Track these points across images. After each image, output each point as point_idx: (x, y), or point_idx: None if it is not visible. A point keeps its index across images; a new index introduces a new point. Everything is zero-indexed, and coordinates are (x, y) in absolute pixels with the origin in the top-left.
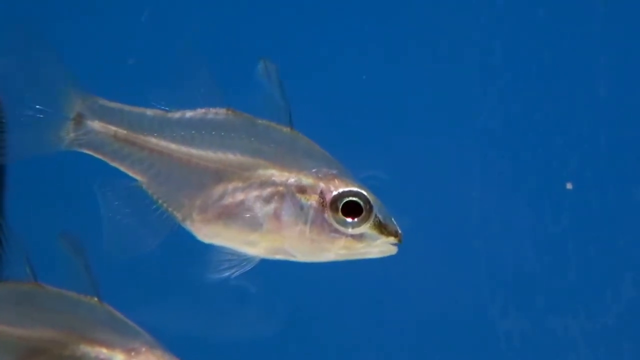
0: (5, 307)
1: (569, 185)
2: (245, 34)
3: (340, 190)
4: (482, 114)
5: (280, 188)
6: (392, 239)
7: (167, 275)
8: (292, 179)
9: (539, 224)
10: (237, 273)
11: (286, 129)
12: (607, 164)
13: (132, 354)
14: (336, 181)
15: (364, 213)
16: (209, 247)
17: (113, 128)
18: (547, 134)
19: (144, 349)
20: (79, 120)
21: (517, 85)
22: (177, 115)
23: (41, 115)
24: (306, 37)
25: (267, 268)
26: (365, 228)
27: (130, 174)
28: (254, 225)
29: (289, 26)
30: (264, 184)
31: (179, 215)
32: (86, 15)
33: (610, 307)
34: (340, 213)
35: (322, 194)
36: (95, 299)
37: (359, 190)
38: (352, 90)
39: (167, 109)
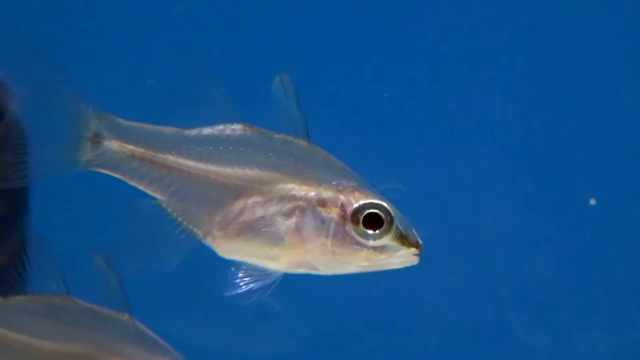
0: (36, 321)
1: (592, 201)
2: (261, 49)
3: (361, 202)
4: (504, 130)
5: (301, 202)
6: (413, 250)
7: (196, 292)
8: (312, 192)
9: (563, 239)
10: (258, 287)
11: (304, 143)
12: (630, 179)
13: None
14: (356, 193)
15: (385, 224)
16: (231, 263)
17: (130, 147)
18: (570, 150)
19: None
20: (96, 140)
21: (538, 101)
22: (194, 132)
23: (58, 137)
24: (324, 51)
25: (292, 285)
26: (387, 239)
27: (149, 192)
28: (275, 239)
29: (307, 41)
30: (284, 198)
31: (199, 232)
32: (104, 38)
33: (635, 322)
34: (361, 225)
35: (342, 207)
36: (127, 315)
37: (380, 202)
38: (371, 104)
39: (184, 126)
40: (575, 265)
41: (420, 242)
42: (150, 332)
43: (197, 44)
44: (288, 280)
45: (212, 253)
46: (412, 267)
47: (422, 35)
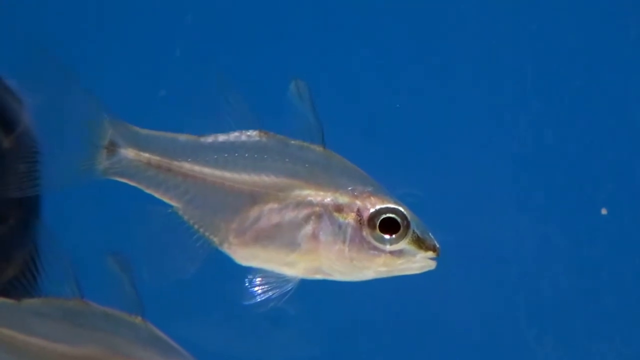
0: (49, 323)
1: (603, 211)
2: (275, 55)
3: (377, 207)
4: (516, 139)
5: (317, 208)
6: (430, 254)
7: (210, 296)
8: (328, 198)
9: (575, 249)
10: (276, 294)
11: (320, 148)
12: None
13: None
14: (372, 198)
15: (401, 229)
16: (248, 270)
17: (146, 155)
18: (581, 160)
19: None
20: (112, 148)
21: (550, 110)
22: (209, 139)
23: (73, 146)
24: (339, 55)
25: (306, 290)
26: (404, 244)
27: (166, 200)
28: (292, 246)
29: (321, 45)
30: (300, 204)
31: (215, 240)
32: (115, 50)
33: None
34: (377, 230)
35: (359, 212)
36: (139, 317)
37: (396, 206)
38: (387, 110)
39: (199, 133)
40: (587, 274)
41: (438, 246)
42: (163, 335)
43: (209, 52)
44: (302, 285)
45: (227, 256)
46: (427, 272)
47: (436, 43)
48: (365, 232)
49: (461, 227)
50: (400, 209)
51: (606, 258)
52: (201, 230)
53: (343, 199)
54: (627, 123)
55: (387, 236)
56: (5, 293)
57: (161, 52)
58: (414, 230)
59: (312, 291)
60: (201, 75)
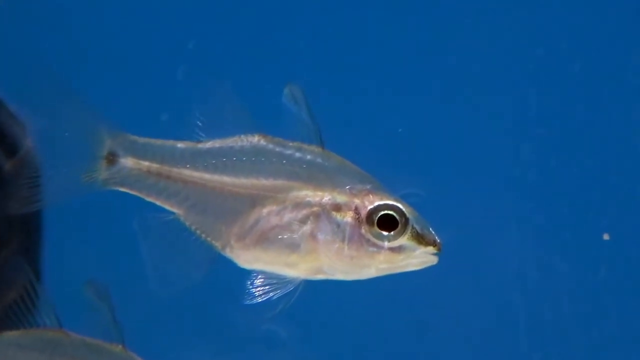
0: (29, 355)
1: (605, 236)
2: (274, 63)
3: (375, 204)
4: (519, 165)
5: (315, 208)
6: (431, 249)
7: (195, 321)
8: (326, 197)
9: (577, 275)
10: (277, 295)
11: (318, 149)
12: None
13: None
14: (370, 196)
15: (399, 225)
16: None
17: (146, 163)
18: (584, 185)
19: None
20: (111, 158)
21: (553, 136)
22: (208, 145)
23: (73, 158)
24: (339, 56)
25: (298, 312)
26: (403, 240)
27: (167, 207)
28: (292, 247)
29: (318, 46)
30: (298, 205)
31: (218, 244)
32: (116, 76)
33: None
34: (376, 227)
35: (356, 210)
36: (120, 346)
37: (393, 203)
38: (392, 115)
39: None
40: (589, 300)
41: (438, 241)
42: None
43: (210, 68)
44: (294, 307)
45: (212, 281)
46: (425, 298)
47: (441, 47)
48: (364, 230)
49: (461, 256)
50: (399, 205)
51: (609, 283)
52: (203, 235)
53: (341, 198)
54: (629, 149)
55: (385, 233)
56: (5, 317)
57: (163, 77)
58: (413, 226)
59: (303, 313)
60: (203, 82)
